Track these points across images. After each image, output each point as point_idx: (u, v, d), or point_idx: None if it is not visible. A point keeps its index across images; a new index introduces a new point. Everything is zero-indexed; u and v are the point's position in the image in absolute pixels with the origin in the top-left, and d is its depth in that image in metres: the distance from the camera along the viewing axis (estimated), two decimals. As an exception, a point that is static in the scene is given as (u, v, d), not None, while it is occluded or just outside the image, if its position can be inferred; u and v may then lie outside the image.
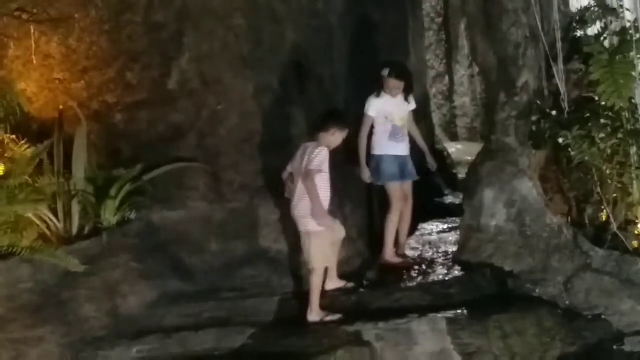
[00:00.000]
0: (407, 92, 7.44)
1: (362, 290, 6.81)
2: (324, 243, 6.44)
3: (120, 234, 6.62)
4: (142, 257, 6.62)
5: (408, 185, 7.48)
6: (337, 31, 8.36)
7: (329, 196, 6.45)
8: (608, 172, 6.65)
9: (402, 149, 7.38)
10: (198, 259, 6.87)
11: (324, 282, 6.53)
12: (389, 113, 7.30)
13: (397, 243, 7.50)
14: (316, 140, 6.46)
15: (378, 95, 7.30)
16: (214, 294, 6.63)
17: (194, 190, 6.96)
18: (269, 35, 7.53)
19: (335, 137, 6.50)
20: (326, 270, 6.56)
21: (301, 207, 6.38)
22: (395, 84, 7.31)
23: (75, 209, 6.53)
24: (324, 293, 6.50)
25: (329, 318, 6.31)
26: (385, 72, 7.32)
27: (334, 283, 6.79)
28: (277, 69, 7.50)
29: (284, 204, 6.73)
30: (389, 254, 7.41)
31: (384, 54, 8.74)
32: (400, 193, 7.35)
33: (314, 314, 6.32)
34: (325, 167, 6.39)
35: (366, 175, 7.31)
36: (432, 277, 7.02)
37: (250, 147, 7.17)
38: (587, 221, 6.91)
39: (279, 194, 6.80)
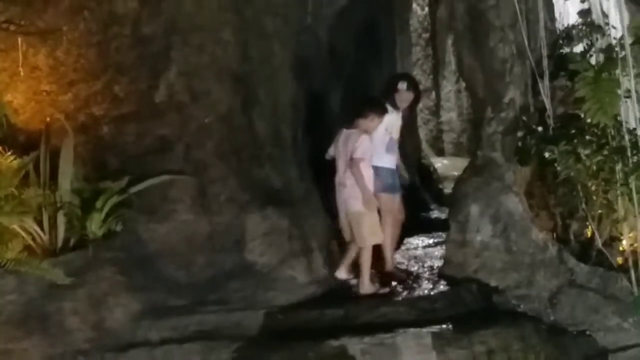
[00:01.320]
0: (415, 104, 7.55)
1: (348, 303, 6.79)
2: (371, 222, 6.99)
3: (106, 246, 6.57)
4: (127, 269, 6.57)
5: (398, 198, 7.53)
6: (325, 46, 8.40)
7: (372, 178, 7.01)
8: (593, 188, 6.70)
9: (395, 161, 7.47)
10: (184, 271, 6.82)
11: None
12: (389, 125, 7.36)
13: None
14: (356, 127, 7.05)
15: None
16: (200, 307, 6.58)
17: (181, 203, 6.93)
18: (257, 50, 7.56)
19: (374, 122, 7.09)
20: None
21: (348, 189, 7.00)
22: (410, 96, 7.46)
23: (61, 220, 6.49)
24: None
25: (381, 291, 6.99)
26: (403, 85, 7.47)
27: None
28: (265, 83, 7.52)
29: (270, 218, 6.79)
30: (390, 265, 7.46)
31: (371, 69, 8.77)
32: (392, 205, 7.38)
33: (365, 287, 6.94)
34: (367, 153, 6.98)
35: None
36: (418, 292, 7.00)
37: (238, 161, 7.16)
38: (572, 237, 6.96)
39: (265, 207, 6.83)
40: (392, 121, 7.37)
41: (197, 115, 7.18)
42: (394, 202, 7.42)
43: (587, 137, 6.65)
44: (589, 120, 6.56)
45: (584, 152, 6.59)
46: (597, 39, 7.08)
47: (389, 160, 7.39)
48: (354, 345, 6.05)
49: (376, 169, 7.24)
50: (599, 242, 6.70)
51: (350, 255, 7.16)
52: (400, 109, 7.49)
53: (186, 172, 7.00)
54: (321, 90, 8.56)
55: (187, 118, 7.17)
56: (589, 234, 6.88)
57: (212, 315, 6.50)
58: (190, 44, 7.26)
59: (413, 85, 7.59)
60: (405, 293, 7.03)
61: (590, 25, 7.14)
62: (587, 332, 6.33)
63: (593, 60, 6.93)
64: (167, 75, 7.23)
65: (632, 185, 6.43)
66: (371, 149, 7.06)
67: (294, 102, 7.92)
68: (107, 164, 7.08)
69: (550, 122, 6.94)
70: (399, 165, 7.64)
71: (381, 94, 7.59)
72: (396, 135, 7.48)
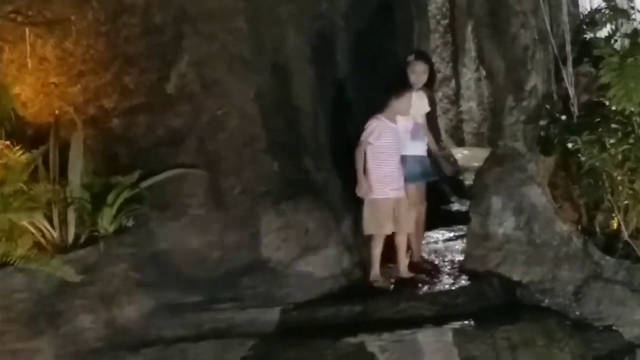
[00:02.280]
0: (432, 82, 7.53)
1: (366, 299, 6.78)
2: (373, 211, 7.05)
3: (118, 242, 6.56)
4: (139, 266, 6.58)
5: (423, 188, 7.55)
6: (341, 33, 8.37)
7: (387, 167, 7.07)
8: (619, 178, 6.65)
9: (423, 147, 7.48)
10: (197, 268, 6.82)
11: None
12: (416, 108, 7.37)
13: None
14: (387, 111, 7.15)
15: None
16: (214, 304, 6.60)
17: (193, 197, 6.92)
18: (271, 38, 7.54)
19: (401, 101, 7.14)
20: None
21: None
22: (422, 67, 7.49)
23: (71, 216, 6.48)
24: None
25: (384, 285, 7.00)
26: (411, 56, 7.57)
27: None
28: (279, 71, 7.51)
29: (286, 211, 6.83)
30: (403, 269, 7.32)
31: (388, 56, 8.74)
32: (417, 196, 7.37)
33: (371, 276, 7.04)
34: (375, 137, 7.05)
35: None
36: (438, 287, 7.02)
37: (251, 152, 7.14)
38: (597, 229, 6.89)
39: (280, 200, 6.84)
40: (414, 104, 7.37)
41: (209, 106, 7.16)
42: (418, 193, 7.41)
43: (612, 125, 6.60)
44: (613, 108, 6.52)
45: (608, 140, 6.54)
46: (621, 24, 7.04)
47: (416, 147, 7.39)
48: (372, 342, 6.06)
49: (403, 158, 7.25)
50: (625, 234, 6.64)
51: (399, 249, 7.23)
52: (416, 86, 7.44)
53: (199, 165, 6.99)
54: (341, 78, 8.53)
55: (199, 109, 7.15)
56: (615, 225, 6.82)
57: (227, 313, 6.52)
58: (201, 33, 7.23)
59: (423, 56, 7.60)
60: (425, 288, 7.03)
61: (614, 9, 7.08)
62: (613, 327, 6.28)
63: (618, 46, 6.88)
64: (178, 66, 7.21)
65: (660, 175, 6.40)
66: (397, 137, 7.12)
67: (311, 91, 7.90)
68: (118, 157, 7.08)
69: (574, 110, 6.90)
70: (436, 153, 7.65)
71: (394, 77, 7.58)
72: (421, 118, 7.50)
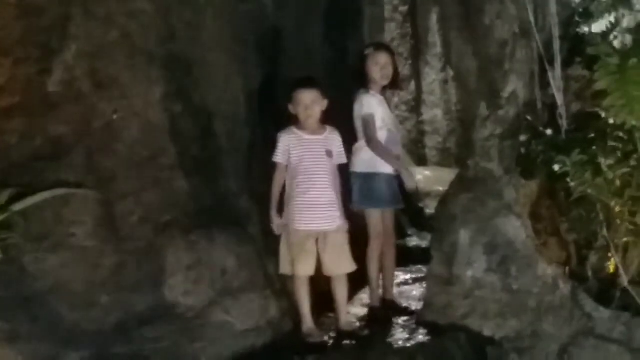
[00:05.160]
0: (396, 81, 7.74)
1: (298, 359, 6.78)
2: (282, 245, 7.26)
3: (-20, 282, 6.51)
4: (9, 313, 6.49)
5: (392, 214, 7.75)
6: (272, 17, 8.40)
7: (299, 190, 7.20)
8: (617, 209, 6.71)
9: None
10: (84, 315, 6.75)
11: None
12: (385, 115, 7.48)
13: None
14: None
15: (368, 91, 7.51)
16: (104, 362, 6.54)
17: (80, 225, 6.85)
18: (183, 24, 7.52)
19: (293, 105, 7.30)
20: None
21: None
22: (384, 58, 7.65)
23: None
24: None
25: (320, 341, 7.10)
26: (370, 48, 7.75)
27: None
28: (193, 66, 7.50)
29: (198, 245, 6.83)
30: (375, 299, 7.64)
31: (332, 47, 8.80)
32: (382, 224, 7.48)
33: (304, 330, 7.17)
34: (284, 157, 7.28)
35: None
36: (390, 343, 7.01)
37: (155, 169, 7.11)
38: (589, 273, 6.96)
39: (190, 231, 6.81)
40: (383, 109, 7.53)
41: (102, 109, 7.09)
42: (382, 220, 7.58)
43: (610, 143, 6.66)
44: (611, 121, 6.58)
45: (605, 162, 6.60)
46: (623, 15, 7.12)
47: (385, 164, 7.61)
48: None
49: (371, 177, 7.49)
50: (624, 280, 6.71)
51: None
52: (381, 82, 7.62)
53: (88, 185, 6.93)
54: (273, 75, 8.56)
55: (89, 113, 7.08)
56: (612, 268, 6.89)
57: (121, 373, 6.44)
58: (94, 16, 7.17)
59: (382, 46, 7.75)
60: (374, 344, 7.03)
61: (614, -3, 7.19)
62: (608, 397, 6.36)
63: (617, 43, 6.95)
64: (63, 57, 7.14)
65: (668, 206, 6.48)
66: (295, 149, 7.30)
67: (234, 91, 7.91)
68: (-18, 173, 7.00)
69: (562, 122, 6.96)
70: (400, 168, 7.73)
71: (352, 76, 7.77)
72: (395, 128, 7.74)
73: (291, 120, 7.28)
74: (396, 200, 7.73)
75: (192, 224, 6.95)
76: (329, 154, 7.20)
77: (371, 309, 7.74)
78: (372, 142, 7.50)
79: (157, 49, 7.31)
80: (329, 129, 7.28)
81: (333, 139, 7.29)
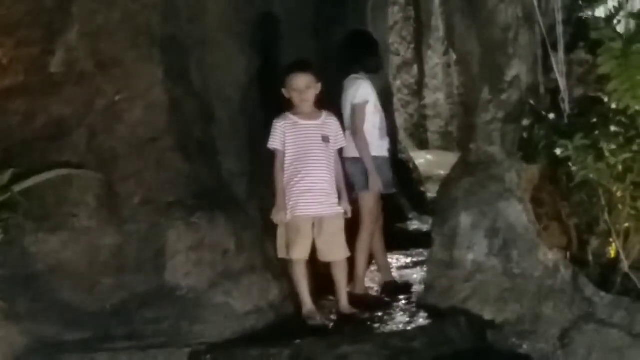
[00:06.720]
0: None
1: (299, 341, 6.76)
2: (279, 229, 7.23)
3: (-18, 262, 6.52)
4: (10, 292, 6.51)
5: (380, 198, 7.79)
6: (276, 2, 8.41)
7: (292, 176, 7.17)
8: (619, 194, 6.70)
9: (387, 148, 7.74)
10: (85, 296, 6.76)
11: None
12: (377, 99, 7.56)
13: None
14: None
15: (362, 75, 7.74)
16: (105, 342, 6.54)
17: (82, 206, 6.87)
18: (186, 6, 7.52)
19: (287, 89, 7.26)
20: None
21: None
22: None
23: None
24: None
25: (320, 323, 7.05)
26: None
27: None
28: (196, 48, 7.50)
29: (199, 226, 6.82)
30: (361, 286, 7.66)
31: (334, 32, 8.79)
32: (377, 207, 7.52)
33: (305, 312, 7.14)
34: (280, 143, 7.22)
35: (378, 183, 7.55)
36: (390, 326, 7.01)
37: (157, 151, 7.11)
38: (590, 257, 6.96)
39: (192, 212, 6.82)
40: (375, 92, 7.65)
41: (105, 90, 7.12)
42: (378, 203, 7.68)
43: (612, 128, 6.65)
44: (614, 106, 6.58)
45: (607, 147, 6.59)
46: (627, 0, 7.11)
47: (384, 147, 7.75)
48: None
49: (375, 160, 7.57)
50: (625, 265, 6.70)
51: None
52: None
53: (89, 166, 6.94)
54: (277, 57, 8.56)
55: (91, 94, 7.11)
56: (613, 253, 6.89)
57: (122, 354, 6.47)
58: (98, -4, 7.21)
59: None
60: (374, 327, 7.03)
61: (618, -20, 7.18)
62: (608, 382, 6.36)
63: (621, 27, 6.94)
64: (65, 37, 7.16)
65: (670, 191, 6.48)
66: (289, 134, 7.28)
67: (237, 73, 7.90)
68: (-15, 152, 7.01)
69: (565, 107, 6.95)
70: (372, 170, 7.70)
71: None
72: (382, 112, 7.87)
73: (286, 105, 7.27)
74: (393, 184, 7.83)
75: (193, 205, 6.94)
76: (326, 139, 7.17)
77: (360, 297, 7.66)
78: (358, 133, 7.54)
79: (160, 30, 7.31)
80: (325, 113, 7.26)
81: (330, 123, 7.26)
